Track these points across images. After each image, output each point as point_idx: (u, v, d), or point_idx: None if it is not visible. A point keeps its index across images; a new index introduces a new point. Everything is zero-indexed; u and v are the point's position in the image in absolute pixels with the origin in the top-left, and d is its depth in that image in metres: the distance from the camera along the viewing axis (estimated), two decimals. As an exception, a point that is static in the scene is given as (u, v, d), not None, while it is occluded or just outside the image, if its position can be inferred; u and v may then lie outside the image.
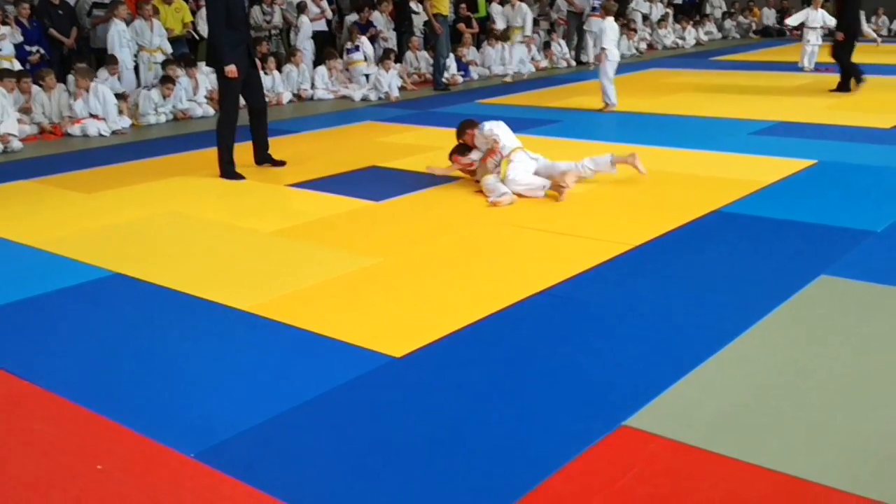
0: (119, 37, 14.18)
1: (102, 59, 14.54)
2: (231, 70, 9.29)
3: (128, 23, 14.61)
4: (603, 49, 13.07)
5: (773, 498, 3.38)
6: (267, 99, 14.82)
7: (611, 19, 13.17)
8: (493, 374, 4.54)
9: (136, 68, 14.74)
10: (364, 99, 15.66)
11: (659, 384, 4.30)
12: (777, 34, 26.87)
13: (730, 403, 4.11)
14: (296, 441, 3.95)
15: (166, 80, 13.70)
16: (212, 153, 10.67)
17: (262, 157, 10.06)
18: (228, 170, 9.63)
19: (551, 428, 3.96)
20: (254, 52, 9.86)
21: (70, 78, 13.27)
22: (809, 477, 3.48)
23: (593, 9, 19.55)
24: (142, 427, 4.09)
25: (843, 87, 14.63)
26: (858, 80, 14.41)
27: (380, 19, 17.90)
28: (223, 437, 3.98)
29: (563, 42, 20.91)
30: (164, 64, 14.35)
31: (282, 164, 9.98)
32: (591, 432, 3.88)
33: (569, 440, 3.83)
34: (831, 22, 16.19)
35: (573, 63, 20.68)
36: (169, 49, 15.08)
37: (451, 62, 17.80)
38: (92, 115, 12.58)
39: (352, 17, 17.99)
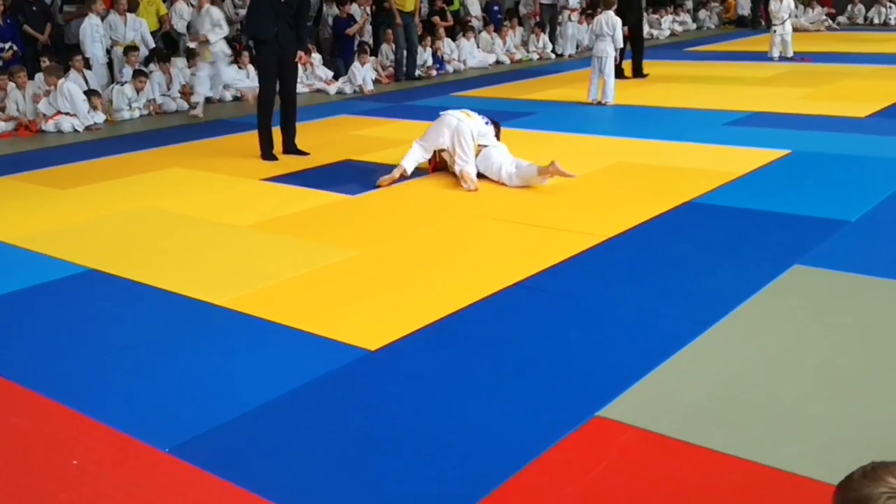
0: (91, 31, 14.09)
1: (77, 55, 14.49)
2: None
3: (102, 18, 14.54)
4: (618, 49, 13.09)
5: (747, 487, 3.40)
6: (240, 94, 14.92)
7: (612, 13, 13.12)
8: (468, 366, 4.55)
9: (111, 63, 14.68)
10: (339, 92, 15.64)
11: (632, 374, 4.32)
12: (752, 24, 26.95)
13: (703, 393, 4.14)
14: (271, 435, 3.95)
15: (138, 74, 13.64)
16: (186, 147, 10.75)
17: (288, 147, 10.21)
18: (265, 150, 9.98)
19: (525, 419, 3.98)
20: (286, 41, 9.78)
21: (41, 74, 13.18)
22: (784, 466, 3.50)
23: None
24: (117, 422, 4.09)
25: (638, 73, 15.60)
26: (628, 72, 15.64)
27: (357, 12, 17.81)
28: (199, 432, 3.98)
29: (544, 36, 20.90)
30: (127, 50, 14.25)
31: (306, 154, 10.09)
32: (564, 423, 3.89)
33: (542, 431, 3.85)
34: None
35: (552, 56, 20.69)
36: (151, 44, 15.00)
37: (426, 55, 17.79)
38: (62, 113, 12.51)
39: (332, 11, 17.92)
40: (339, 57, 17.05)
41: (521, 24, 21.38)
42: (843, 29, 25.55)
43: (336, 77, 16.38)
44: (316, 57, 16.57)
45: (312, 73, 16.26)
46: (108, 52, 14.58)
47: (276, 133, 10.06)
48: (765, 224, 6.74)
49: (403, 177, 8.55)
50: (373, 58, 16.99)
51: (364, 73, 15.81)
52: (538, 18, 21.22)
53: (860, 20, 26.97)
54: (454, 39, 19.39)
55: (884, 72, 15.45)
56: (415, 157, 8.67)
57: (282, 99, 10.09)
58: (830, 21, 25.90)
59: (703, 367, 4.40)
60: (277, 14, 9.63)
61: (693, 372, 4.36)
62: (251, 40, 9.76)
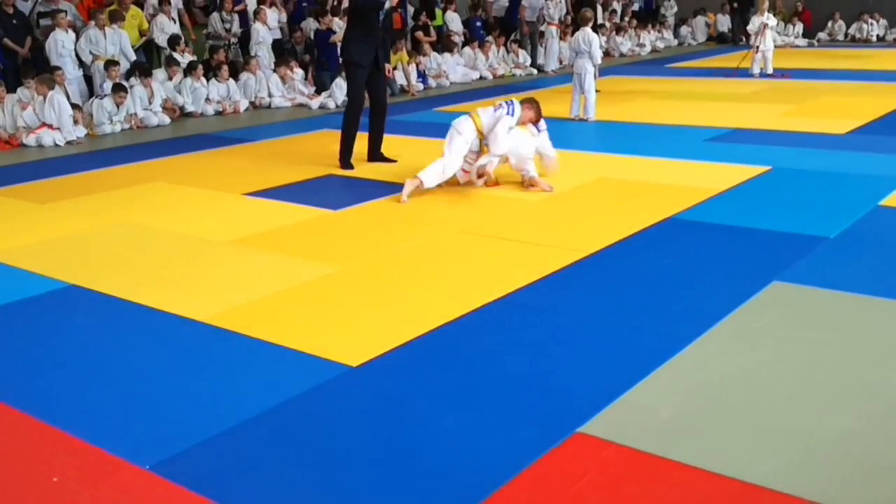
0: (57, 46, 14.01)
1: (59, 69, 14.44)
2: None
3: (77, 31, 14.50)
4: (596, 65, 13.14)
5: (726, 503, 3.41)
6: (222, 108, 14.94)
7: (588, 29, 13.16)
8: (449, 382, 4.56)
9: (91, 78, 14.65)
10: (322, 107, 15.65)
11: (613, 391, 4.33)
12: (732, 40, 27.10)
13: (683, 409, 4.15)
14: (252, 452, 3.94)
15: (118, 88, 13.61)
16: (167, 162, 10.73)
17: (375, 155, 10.41)
18: (345, 160, 10.10)
19: (506, 435, 3.98)
20: (381, 56, 10.12)
21: (23, 88, 13.12)
22: (762, 482, 3.51)
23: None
24: (97, 439, 4.07)
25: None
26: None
27: (338, 24, 17.79)
28: (179, 449, 3.97)
29: (521, 51, 20.99)
30: (107, 64, 14.23)
31: (393, 161, 10.23)
32: (545, 439, 3.90)
33: (524, 447, 3.85)
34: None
35: (534, 70, 20.78)
36: (132, 56, 14.99)
37: (410, 69, 17.85)
38: (46, 125, 12.49)
39: (312, 24, 17.94)
40: (326, 70, 17.02)
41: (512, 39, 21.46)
42: (824, 45, 25.73)
43: (320, 91, 16.39)
44: (298, 72, 16.59)
45: (293, 88, 16.28)
46: (89, 66, 14.55)
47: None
48: (744, 240, 6.76)
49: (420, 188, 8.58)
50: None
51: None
52: (522, 35, 21.30)
53: (840, 37, 27.13)
54: (437, 55, 19.42)
55: (864, 88, 15.56)
56: (436, 171, 8.57)
57: (375, 111, 10.34)
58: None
59: (684, 384, 4.41)
60: (376, 41, 9.93)
61: (673, 388, 4.37)
62: (346, 62, 9.96)
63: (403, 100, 16.64)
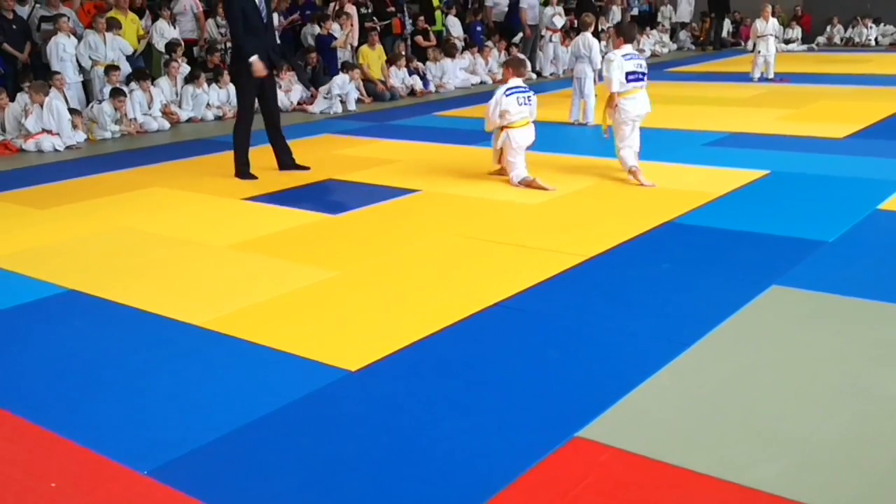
0: (58, 50, 13.99)
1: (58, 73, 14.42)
2: (257, 65, 9.55)
3: (78, 36, 14.50)
4: (596, 70, 13.10)
5: (723, 507, 3.42)
6: (222, 113, 14.94)
7: (589, 34, 13.16)
8: (447, 387, 4.56)
9: (91, 83, 14.64)
10: (322, 111, 15.63)
11: (612, 395, 4.33)
12: (732, 45, 27.12)
13: (682, 414, 4.15)
14: (251, 457, 3.93)
15: (116, 93, 13.59)
16: (166, 167, 10.71)
17: (286, 163, 10.31)
18: (243, 170, 10.00)
19: (505, 440, 3.98)
20: (276, 61, 10.12)
21: (23, 93, 13.11)
22: (760, 486, 3.51)
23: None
24: (95, 444, 4.07)
25: None
26: None
27: (338, 30, 17.81)
28: (177, 454, 3.96)
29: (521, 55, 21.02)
30: (108, 70, 14.20)
31: (306, 168, 10.20)
32: (544, 444, 3.90)
33: (522, 452, 3.85)
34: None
35: (533, 76, 20.78)
36: (127, 67, 14.96)
37: (403, 73, 17.87)
38: (46, 131, 12.48)
39: (313, 30, 17.93)
40: (327, 75, 17.00)
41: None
42: (822, 50, 25.75)
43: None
44: (297, 88, 16.55)
45: (294, 91, 16.28)
46: (89, 71, 14.53)
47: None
48: (743, 244, 6.77)
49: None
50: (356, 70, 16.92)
51: (348, 87, 15.82)
52: (524, 38, 21.30)
53: (837, 40, 27.13)
54: (436, 60, 19.41)
55: (862, 93, 15.55)
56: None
57: (269, 124, 10.22)
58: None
59: (682, 388, 4.41)
60: (261, 39, 9.75)
61: (672, 392, 4.37)
62: (236, 68, 9.84)
63: (403, 104, 16.65)
